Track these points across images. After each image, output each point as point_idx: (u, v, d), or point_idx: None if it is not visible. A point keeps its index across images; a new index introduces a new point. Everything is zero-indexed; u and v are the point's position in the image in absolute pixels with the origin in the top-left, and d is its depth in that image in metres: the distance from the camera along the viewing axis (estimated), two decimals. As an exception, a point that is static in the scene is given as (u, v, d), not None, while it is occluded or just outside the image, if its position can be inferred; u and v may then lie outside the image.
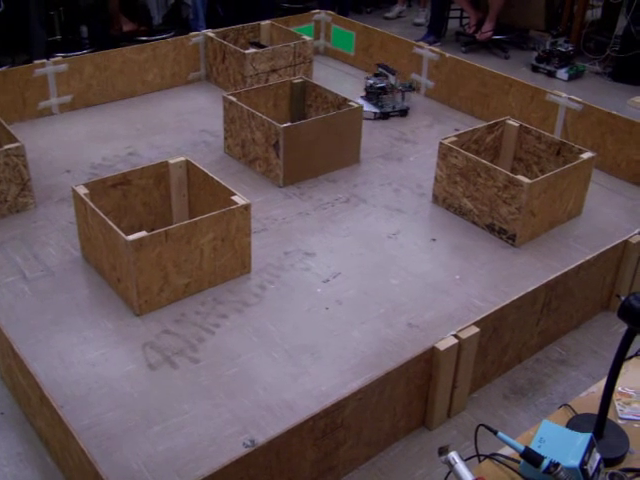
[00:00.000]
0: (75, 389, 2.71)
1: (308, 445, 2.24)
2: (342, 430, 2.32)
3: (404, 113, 4.98)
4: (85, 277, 3.32)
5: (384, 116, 4.93)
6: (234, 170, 4.19)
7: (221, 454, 2.44)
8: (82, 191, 3.22)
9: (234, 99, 4.17)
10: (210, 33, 5.35)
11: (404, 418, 2.53)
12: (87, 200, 3.15)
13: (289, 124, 3.96)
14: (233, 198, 3.19)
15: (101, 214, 3.06)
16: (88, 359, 2.86)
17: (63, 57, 4.92)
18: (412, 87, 5.06)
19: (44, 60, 4.80)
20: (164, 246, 2.98)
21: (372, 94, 4.98)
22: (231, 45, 5.15)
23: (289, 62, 5.18)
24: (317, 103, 4.46)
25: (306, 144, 4.00)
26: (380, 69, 5.09)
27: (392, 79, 4.98)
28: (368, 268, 3.42)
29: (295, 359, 2.87)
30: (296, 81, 4.51)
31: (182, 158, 3.50)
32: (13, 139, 3.72)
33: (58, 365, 2.82)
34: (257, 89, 4.41)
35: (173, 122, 4.82)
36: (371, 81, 4.98)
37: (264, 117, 3.97)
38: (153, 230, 3.00)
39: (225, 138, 4.37)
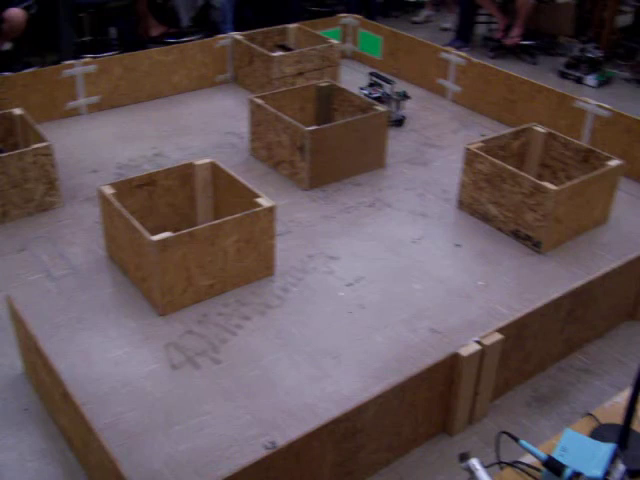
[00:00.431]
0: (98, 387, 2.73)
1: (328, 449, 2.23)
2: (362, 434, 2.31)
3: (399, 123, 4.89)
4: (110, 276, 3.35)
5: None
6: (259, 172, 4.20)
7: (241, 455, 2.45)
8: (108, 191, 3.24)
9: (260, 102, 4.18)
10: (237, 35, 5.37)
11: (425, 424, 2.52)
12: (113, 200, 3.18)
13: (315, 127, 3.96)
14: (258, 200, 3.20)
15: (126, 214, 3.08)
16: (111, 358, 2.88)
17: (92, 58, 4.97)
18: (407, 96, 4.95)
19: (73, 61, 4.84)
20: (188, 247, 3.00)
21: None
22: (258, 48, 5.17)
23: (316, 65, 5.19)
24: (343, 107, 4.46)
25: (331, 148, 4.00)
26: (374, 78, 5.01)
27: (387, 88, 4.88)
28: (391, 273, 3.42)
29: (317, 362, 2.87)
30: (322, 84, 4.51)
31: (208, 160, 3.52)
32: (41, 139, 3.75)
33: (81, 363, 2.84)
34: (283, 92, 4.42)
35: (199, 124, 4.84)
36: (366, 92, 4.89)
37: (290, 120, 3.98)
38: (178, 231, 3.01)
39: (251, 140, 4.38)
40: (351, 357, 2.91)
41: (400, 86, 5.01)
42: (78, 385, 2.69)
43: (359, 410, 2.24)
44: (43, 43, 5.70)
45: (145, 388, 2.73)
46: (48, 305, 3.15)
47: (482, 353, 2.47)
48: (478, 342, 2.48)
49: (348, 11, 6.24)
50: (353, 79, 5.42)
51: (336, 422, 2.20)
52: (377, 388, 2.32)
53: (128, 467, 2.01)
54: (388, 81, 4.90)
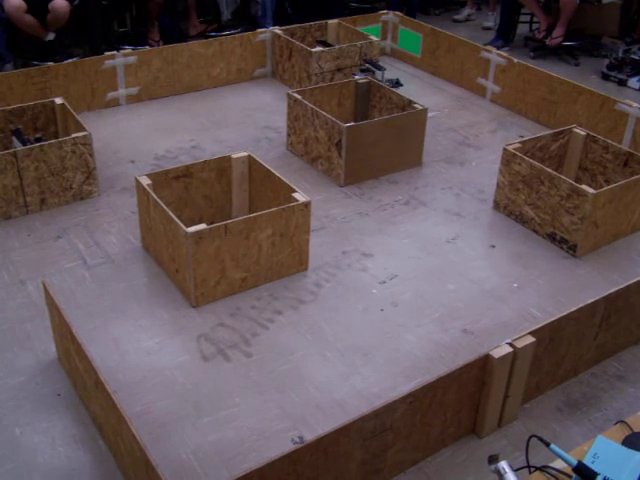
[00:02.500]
0: (129, 376, 2.76)
1: (356, 445, 2.23)
2: (391, 433, 2.30)
3: None
4: (144, 266, 3.37)
5: None
6: (296, 167, 4.21)
7: (269, 449, 2.46)
8: (145, 182, 3.27)
9: (299, 97, 4.19)
10: (277, 30, 5.38)
11: (454, 424, 2.51)
12: (150, 191, 3.20)
13: (352, 124, 3.96)
14: (294, 195, 3.21)
15: (163, 205, 3.10)
16: (143, 347, 2.90)
17: (132, 50, 5.01)
18: (399, 83, 4.88)
19: (114, 52, 4.89)
20: (223, 239, 3.01)
21: None
22: (298, 43, 5.18)
23: (355, 62, 5.18)
24: (381, 104, 4.45)
25: (369, 144, 3.99)
26: (367, 64, 4.95)
27: (379, 75, 4.82)
28: (425, 272, 3.40)
29: (347, 359, 2.87)
30: (361, 81, 4.50)
31: (245, 153, 3.53)
32: (81, 128, 3.79)
33: (114, 351, 2.87)
34: (322, 87, 4.42)
35: (237, 117, 4.86)
36: (356, 77, 4.78)
37: (328, 116, 3.98)
38: (213, 223, 3.03)
39: (288, 135, 4.39)
40: (382, 355, 2.90)
41: (431, 82, 4.98)
42: (110, 373, 2.72)
43: (388, 408, 2.24)
44: (85, 34, 5.75)
45: (176, 378, 2.75)
46: (83, 293, 3.19)
47: (514, 356, 2.45)
48: (510, 344, 2.46)
49: (389, 8, 6.22)
50: (392, 76, 5.39)
51: (365, 419, 2.19)
52: (407, 387, 2.32)
53: (157, 456, 2.02)
54: (380, 68, 4.85)
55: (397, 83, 4.86)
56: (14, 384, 2.72)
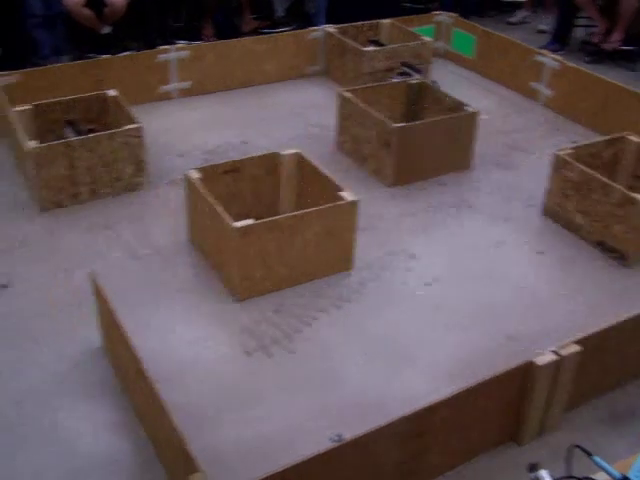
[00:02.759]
0: (171, 367, 2.78)
1: (394, 446, 2.22)
2: (430, 435, 2.29)
3: None
4: (190, 259, 3.40)
5: None
6: (344, 166, 4.20)
7: (307, 446, 2.44)
8: (194, 175, 3.29)
9: (349, 95, 4.18)
10: (330, 28, 5.38)
11: (494, 430, 2.48)
12: (198, 185, 3.23)
13: (403, 124, 3.94)
14: (341, 194, 3.20)
15: (211, 199, 3.12)
16: (186, 339, 2.93)
17: (186, 44, 5.05)
18: (437, 85, 4.78)
19: (168, 46, 4.94)
20: (269, 235, 3.02)
21: None
22: (350, 41, 5.17)
23: (407, 62, 5.15)
24: (432, 105, 4.42)
25: (418, 146, 3.97)
26: (404, 68, 4.88)
27: (417, 78, 4.71)
28: (471, 275, 3.37)
29: (389, 359, 2.86)
30: (413, 82, 4.48)
31: (294, 150, 3.54)
32: (133, 120, 3.84)
33: (157, 342, 2.90)
34: (373, 87, 4.41)
35: (287, 114, 4.87)
36: (395, 80, 4.75)
37: (378, 115, 3.97)
38: (260, 219, 3.04)
39: (338, 134, 4.38)
40: (424, 357, 2.89)
41: (483, 84, 4.91)
42: (153, 363, 2.72)
43: (428, 411, 2.22)
44: (140, 28, 5.83)
45: (218, 371, 2.77)
46: (129, 283, 3.22)
47: (558, 364, 2.42)
48: (555, 352, 2.43)
49: (443, 9, 6.18)
50: (444, 78, 5.35)
51: (404, 421, 2.18)
52: (448, 390, 2.30)
53: (195, 447, 2.04)
54: (418, 71, 4.79)
55: (434, 84, 4.80)
56: (59, 370, 2.77)
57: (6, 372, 2.76)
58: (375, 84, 4.51)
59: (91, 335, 2.90)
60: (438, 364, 2.85)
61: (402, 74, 4.87)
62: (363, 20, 5.59)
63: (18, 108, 3.96)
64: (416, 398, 2.63)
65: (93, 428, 2.54)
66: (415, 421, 2.21)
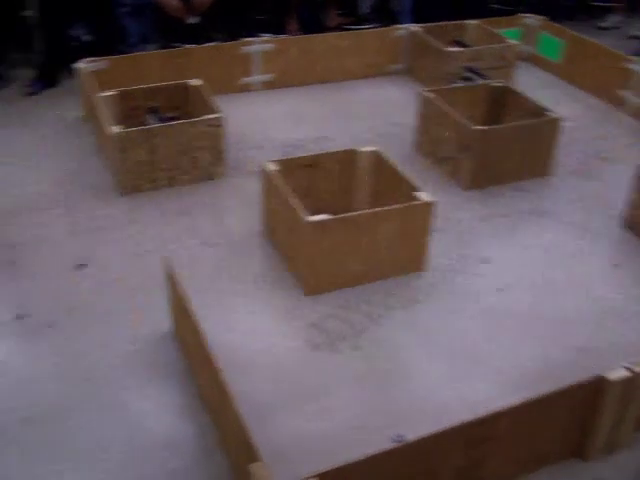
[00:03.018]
0: (237, 355, 2.81)
1: (456, 451, 2.20)
2: (493, 443, 2.26)
3: None
4: (262, 250, 3.43)
5: None
6: (421, 167, 4.18)
7: (368, 444, 2.44)
8: (272, 167, 3.32)
9: (431, 95, 4.15)
10: (415, 27, 5.34)
11: (559, 443, 2.43)
12: (275, 177, 3.25)
13: (483, 127, 3.89)
14: (417, 194, 3.18)
15: (287, 192, 3.14)
16: (254, 329, 2.95)
17: (271, 37, 5.09)
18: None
19: (253, 39, 4.98)
20: (343, 231, 3.02)
21: None
22: (434, 41, 5.13)
23: (491, 64, 5.09)
24: (514, 109, 4.35)
25: (497, 150, 3.91)
26: (468, 73, 4.78)
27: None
28: (544, 284, 3.31)
29: (455, 363, 2.84)
30: (495, 85, 4.42)
31: (372, 148, 3.53)
32: (214, 110, 3.89)
33: (225, 330, 2.93)
34: (455, 88, 4.37)
35: (367, 111, 4.86)
36: (458, 85, 4.66)
37: (458, 117, 3.93)
38: (334, 214, 3.04)
39: (416, 134, 4.36)
40: (491, 363, 2.85)
41: (568, 90, 4.81)
42: (219, 350, 2.76)
43: (493, 418, 2.20)
44: (226, 19, 5.89)
45: (283, 363, 2.79)
46: (201, 270, 3.27)
47: (631, 380, 2.36)
48: (628, 368, 2.37)
49: (531, 11, 6.06)
50: (528, 82, 5.27)
51: (468, 426, 2.16)
52: (514, 399, 2.27)
53: (257, 437, 2.05)
54: (483, 76, 4.68)
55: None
56: (129, 350, 2.83)
57: (77, 349, 2.84)
58: (457, 85, 4.46)
59: (162, 319, 2.95)
60: (505, 372, 2.81)
61: (465, 79, 4.79)
62: (449, 20, 5.54)
63: (104, 93, 4.06)
64: (480, 404, 2.60)
65: (158, 410, 2.59)
66: (479, 427, 2.18)
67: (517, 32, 5.81)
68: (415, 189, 3.22)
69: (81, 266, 3.29)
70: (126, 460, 2.40)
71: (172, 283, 2.74)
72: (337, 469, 1.99)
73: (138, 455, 2.42)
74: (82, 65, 4.48)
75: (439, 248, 3.45)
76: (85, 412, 2.57)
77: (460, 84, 4.67)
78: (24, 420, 2.53)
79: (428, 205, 3.16)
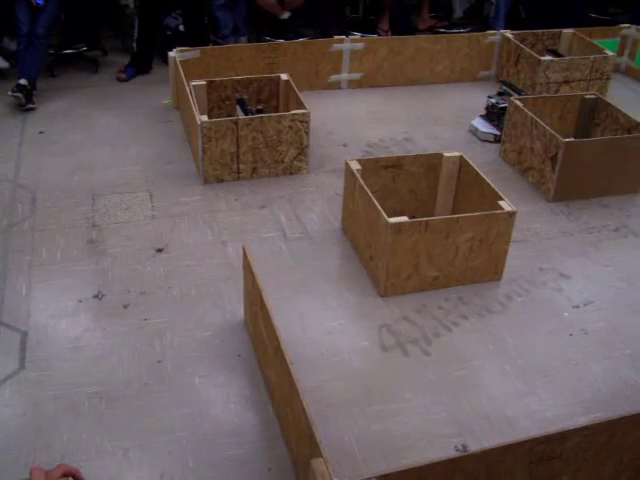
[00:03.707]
0: (308, 351, 2.82)
1: (521, 467, 2.16)
2: (559, 462, 2.21)
3: None
4: (340, 248, 3.43)
5: None
6: (505, 175, 4.11)
7: (430, 450, 2.43)
8: (355, 166, 3.32)
9: (520, 104, 4.08)
10: (508, 34, 5.27)
11: (630, 470, 2.36)
12: (358, 176, 3.25)
13: (572, 139, 3.81)
14: (500, 203, 3.14)
15: (368, 192, 3.13)
16: (326, 326, 2.96)
17: (361, 36, 5.09)
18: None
19: (343, 37, 4.99)
20: (422, 235, 3.00)
21: (493, 114, 4.55)
22: (527, 49, 5.04)
23: (584, 76, 4.97)
24: (606, 123, 4.24)
25: (586, 163, 3.82)
26: (504, 87, 4.64)
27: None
28: (623, 304, 3.22)
29: (526, 377, 2.78)
30: (588, 96, 4.31)
31: (457, 153, 3.49)
32: (301, 105, 3.92)
33: (297, 324, 2.95)
34: (545, 98, 4.28)
35: (453, 116, 4.81)
36: (493, 100, 4.55)
37: (547, 128, 3.85)
38: (414, 217, 3.03)
39: (502, 142, 4.29)
40: (563, 380, 2.79)
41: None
42: (290, 344, 2.77)
43: (562, 436, 2.14)
44: (318, 16, 5.91)
45: (352, 363, 2.79)
46: (278, 263, 3.30)
47: None
48: None
49: (631, 21, 5.88)
50: (622, 95, 5.13)
51: (535, 442, 2.11)
52: (584, 419, 2.22)
53: (320, 433, 2.06)
54: (519, 92, 4.55)
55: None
56: (201, 337, 2.88)
57: (150, 331, 2.90)
58: (548, 95, 4.38)
59: (235, 308, 2.99)
60: (576, 390, 2.74)
61: (500, 94, 4.67)
62: (545, 28, 5.43)
63: (194, 83, 4.13)
64: (549, 421, 2.57)
65: (225, 397, 2.62)
66: (545, 445, 2.14)
67: (615, 43, 5.64)
68: (498, 197, 3.17)
69: (159, 250, 3.35)
70: (189, 443, 2.44)
71: (248, 274, 2.76)
72: (398, 472, 1.97)
73: (201, 440, 2.45)
74: (174, 54, 4.56)
75: (518, 259, 3.39)
76: (154, 393, 2.62)
77: (494, 99, 4.56)
78: (95, 396, 2.59)
79: (510, 214, 3.11)
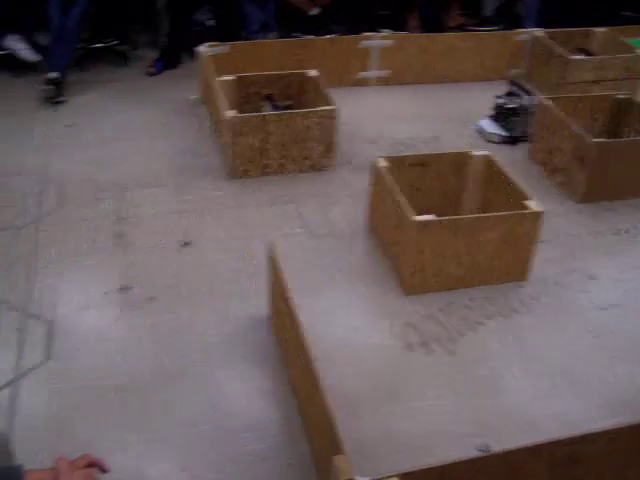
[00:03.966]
0: (330, 347, 2.82)
1: (543, 469, 2.15)
2: (582, 466, 2.19)
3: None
4: (365, 245, 3.43)
5: (512, 141, 4.41)
6: (533, 175, 4.07)
7: (452, 450, 2.42)
8: (382, 164, 3.31)
9: (550, 103, 4.05)
10: (539, 32, 5.22)
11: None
12: (385, 173, 3.24)
13: (601, 140, 3.77)
14: (527, 202, 3.11)
15: (395, 189, 3.13)
16: (349, 323, 2.96)
17: (390, 33, 5.08)
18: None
19: (372, 33, 4.98)
20: (448, 234, 2.99)
21: (500, 115, 4.47)
22: (558, 48, 4.99)
23: (616, 75, 4.92)
24: (637, 124, 4.19)
25: (615, 164, 3.78)
26: (513, 87, 4.56)
27: (526, 100, 4.41)
28: (652, 307, 3.19)
29: (550, 379, 2.76)
30: (619, 97, 4.26)
31: (485, 152, 3.47)
32: (329, 102, 3.91)
33: (321, 321, 2.94)
34: (576, 98, 4.24)
35: (482, 115, 4.76)
36: (501, 100, 4.47)
37: (577, 128, 3.82)
38: (440, 216, 3.01)
39: (531, 141, 4.26)
40: (588, 382, 2.76)
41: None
42: (314, 341, 2.78)
43: (586, 439, 2.12)
44: (347, 13, 5.90)
45: (376, 360, 2.78)
46: (303, 259, 3.30)
47: None
48: None
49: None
50: None
51: (559, 444, 2.10)
52: (609, 422, 2.20)
53: (342, 430, 2.06)
54: (528, 92, 4.48)
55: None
56: (225, 332, 2.89)
57: (175, 325, 2.92)
58: (579, 94, 4.33)
59: (260, 303, 2.99)
60: (601, 393, 2.72)
61: (508, 94, 4.60)
62: (577, 27, 5.37)
63: (222, 78, 4.14)
64: (573, 424, 2.55)
65: (248, 392, 2.63)
66: (568, 447, 2.12)
67: (647, 42, 5.57)
68: (525, 197, 3.15)
69: (186, 244, 3.36)
70: (211, 437, 2.45)
71: (273, 269, 2.77)
72: (419, 471, 1.97)
73: (223, 434, 2.46)
74: (203, 49, 4.57)
75: (544, 259, 3.36)
76: (178, 387, 2.63)
77: (502, 99, 4.51)
78: (119, 388, 2.61)
79: (537, 214, 3.09)
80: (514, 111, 4.43)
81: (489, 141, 4.41)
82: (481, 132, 4.49)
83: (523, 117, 4.42)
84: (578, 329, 3.03)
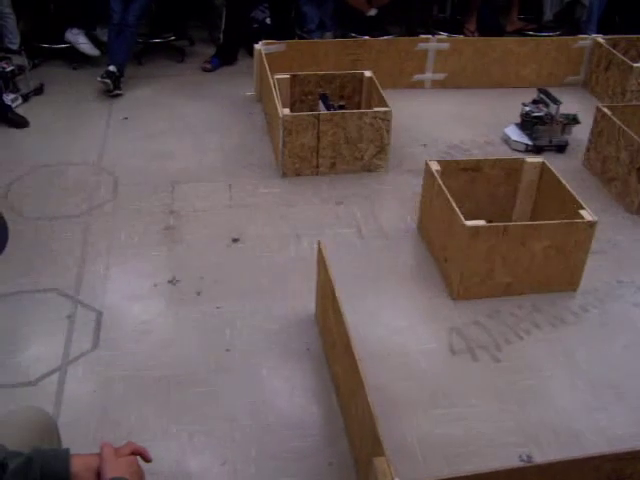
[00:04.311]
0: (376, 348, 2.82)
1: (586, 484, 2.11)
2: (629, 482, 2.15)
3: (562, 149, 4.32)
4: (414, 248, 3.42)
5: (537, 150, 4.28)
6: (588, 184, 4.01)
7: (494, 458, 2.40)
8: (434, 167, 3.29)
9: (608, 112, 3.98)
10: (600, 38, 5.13)
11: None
12: (437, 177, 3.22)
13: (660, 150, 3.69)
14: (580, 212, 3.06)
15: (447, 193, 3.11)
16: (395, 325, 2.95)
17: (447, 36, 5.05)
18: (576, 120, 4.35)
19: (429, 36, 4.96)
20: (498, 240, 2.96)
21: (527, 123, 4.36)
22: (619, 55, 4.91)
23: (678, 86, 4.82)
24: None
25: (672, 175, 3.71)
26: (541, 95, 4.44)
27: (553, 109, 4.30)
28: None
29: (597, 392, 2.72)
30: (681, 107, 4.18)
31: (539, 159, 3.43)
32: (383, 103, 3.91)
33: (367, 321, 2.94)
34: (636, 106, 4.16)
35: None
36: (528, 108, 4.36)
37: (635, 137, 3.75)
38: (491, 222, 2.98)
39: (587, 150, 4.19)
40: (635, 398, 2.71)
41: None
42: (359, 341, 2.76)
43: (632, 456, 2.08)
44: (405, 14, 5.89)
45: (420, 364, 2.77)
46: (351, 259, 3.30)
47: None
48: None
49: None
50: None
51: (603, 459, 2.06)
52: (658, 440, 2.15)
53: (384, 432, 2.05)
54: (556, 101, 4.36)
55: (574, 120, 4.41)
56: (270, 329, 2.90)
57: (221, 320, 2.94)
58: (637, 103, 4.25)
59: (306, 302, 3.00)
60: (650, 409, 2.67)
61: (535, 102, 4.49)
62: (638, 33, 5.27)
63: (278, 76, 4.16)
64: (619, 440, 2.50)
65: (291, 390, 2.63)
66: (615, 463, 2.08)
67: None
68: (579, 206, 3.10)
69: (235, 240, 3.39)
70: (252, 433, 2.46)
71: (322, 268, 2.77)
72: (459, 477, 1.95)
73: (264, 430, 2.48)
74: (260, 47, 4.60)
75: (596, 270, 3.30)
76: (221, 381, 2.65)
77: (528, 107, 4.40)
78: (163, 379, 2.65)
79: (590, 224, 3.04)
80: (540, 120, 4.35)
81: (514, 149, 4.33)
82: (507, 140, 4.42)
83: (549, 126, 4.35)
84: (627, 342, 2.97)
